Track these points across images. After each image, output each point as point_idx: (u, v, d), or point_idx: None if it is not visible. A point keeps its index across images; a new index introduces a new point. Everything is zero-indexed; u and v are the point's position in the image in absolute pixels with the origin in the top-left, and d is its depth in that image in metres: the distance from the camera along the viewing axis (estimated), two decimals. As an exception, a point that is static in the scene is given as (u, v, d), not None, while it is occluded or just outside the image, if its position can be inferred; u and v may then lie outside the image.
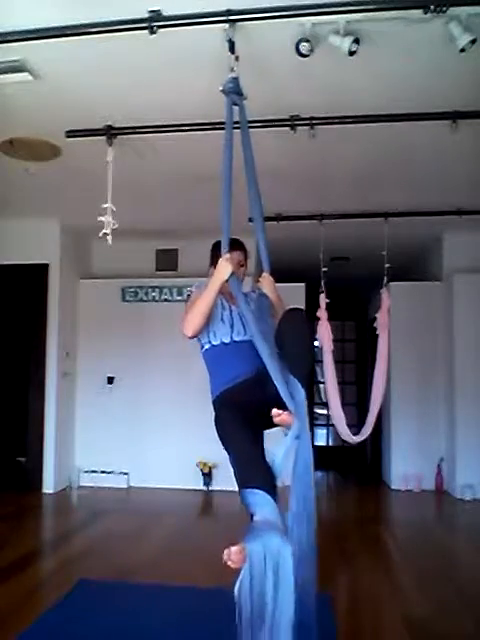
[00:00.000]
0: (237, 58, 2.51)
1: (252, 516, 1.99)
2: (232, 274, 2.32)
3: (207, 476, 5.99)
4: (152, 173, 4.54)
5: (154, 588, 3.32)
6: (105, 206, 3.66)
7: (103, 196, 3.69)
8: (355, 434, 5.41)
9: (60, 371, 6.03)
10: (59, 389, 5.99)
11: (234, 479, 2.09)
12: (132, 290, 6.42)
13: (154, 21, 2.52)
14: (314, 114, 3.47)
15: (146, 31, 2.54)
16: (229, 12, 2.47)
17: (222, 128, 2.48)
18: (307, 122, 3.50)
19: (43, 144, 3.97)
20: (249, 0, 2.43)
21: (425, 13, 2.42)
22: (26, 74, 2.99)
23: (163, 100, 3.37)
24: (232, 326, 2.51)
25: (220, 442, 2.21)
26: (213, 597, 3.05)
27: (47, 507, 5.56)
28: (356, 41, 2.54)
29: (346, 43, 2.54)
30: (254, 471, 2.05)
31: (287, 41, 2.65)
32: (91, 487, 6.07)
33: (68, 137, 3.76)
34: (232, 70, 2.50)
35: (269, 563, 1.84)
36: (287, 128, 3.53)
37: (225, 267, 2.32)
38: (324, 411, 6.74)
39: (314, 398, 9.13)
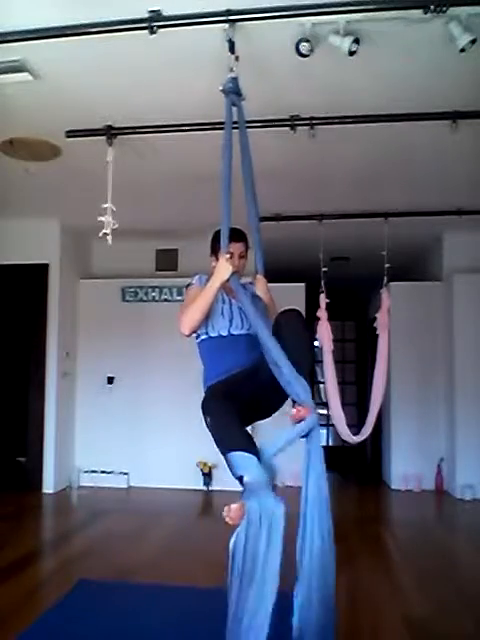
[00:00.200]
0: (237, 58, 2.51)
1: (241, 478, 2.01)
2: (233, 274, 2.33)
3: (207, 476, 5.99)
4: (152, 173, 4.54)
5: (154, 588, 3.32)
6: (105, 206, 3.67)
7: (103, 196, 3.69)
8: (355, 434, 5.42)
9: (60, 371, 6.03)
10: (59, 389, 5.99)
11: (218, 450, 2.10)
12: (132, 290, 6.42)
13: (154, 21, 2.52)
14: (314, 114, 3.47)
15: (146, 31, 2.54)
16: (229, 12, 2.48)
17: (222, 128, 2.48)
18: (307, 122, 3.50)
19: (43, 144, 3.97)
20: (249, 0, 2.43)
21: (425, 13, 2.42)
22: (26, 74, 2.99)
23: (163, 100, 3.37)
24: (231, 320, 2.51)
25: (203, 421, 2.21)
26: (213, 597, 3.02)
27: (47, 507, 5.56)
28: (356, 41, 2.55)
29: (346, 43, 2.54)
30: (237, 435, 2.09)
31: (287, 41, 2.65)
32: (91, 487, 6.07)
33: (68, 137, 3.76)
34: (232, 70, 2.50)
35: (264, 522, 1.93)
36: (287, 128, 3.53)
37: (225, 268, 2.32)
38: (324, 411, 6.71)
39: (314, 398, 9.09)
